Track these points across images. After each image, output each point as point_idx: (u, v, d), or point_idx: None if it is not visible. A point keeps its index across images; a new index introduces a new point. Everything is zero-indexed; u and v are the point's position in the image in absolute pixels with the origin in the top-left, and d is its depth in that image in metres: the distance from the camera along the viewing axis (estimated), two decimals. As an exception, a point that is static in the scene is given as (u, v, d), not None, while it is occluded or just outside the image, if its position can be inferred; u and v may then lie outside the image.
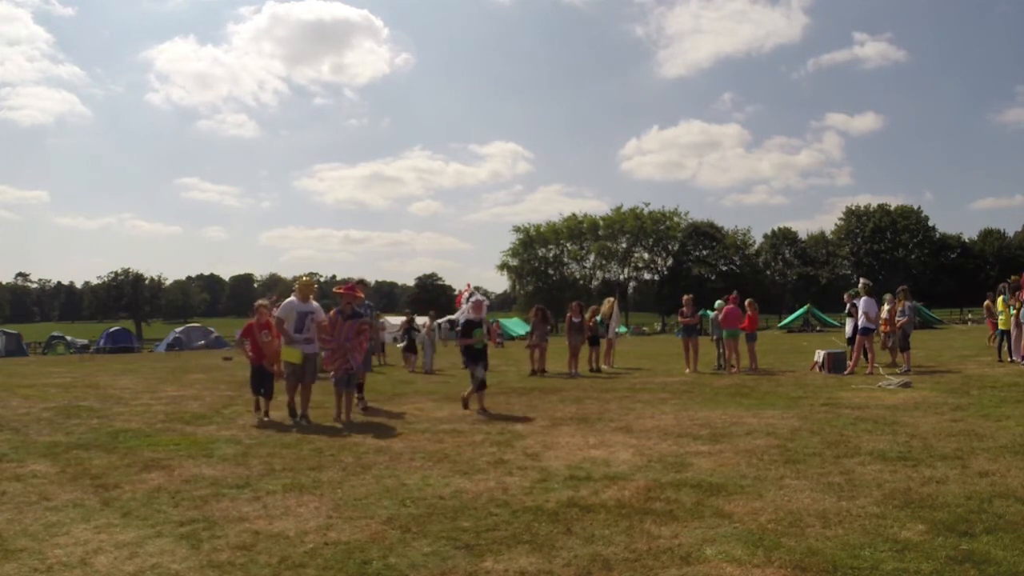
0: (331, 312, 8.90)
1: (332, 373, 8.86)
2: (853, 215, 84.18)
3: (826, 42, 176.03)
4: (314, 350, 8.93)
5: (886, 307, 14.26)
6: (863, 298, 13.51)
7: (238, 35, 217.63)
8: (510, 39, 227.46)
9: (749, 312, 14.92)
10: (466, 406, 9.47)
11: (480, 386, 9.24)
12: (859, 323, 13.46)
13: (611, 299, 17.66)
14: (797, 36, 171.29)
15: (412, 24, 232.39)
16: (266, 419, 8.70)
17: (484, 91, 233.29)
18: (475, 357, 9.36)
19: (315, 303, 9.06)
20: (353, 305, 8.88)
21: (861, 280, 14.43)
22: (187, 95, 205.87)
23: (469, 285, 10.29)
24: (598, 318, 16.84)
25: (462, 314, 9.84)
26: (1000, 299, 14.70)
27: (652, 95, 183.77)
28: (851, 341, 14.36)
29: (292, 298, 8.98)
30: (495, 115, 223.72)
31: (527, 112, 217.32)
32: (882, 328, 14.49)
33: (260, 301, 9.93)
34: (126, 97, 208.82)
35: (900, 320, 14.05)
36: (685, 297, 16.29)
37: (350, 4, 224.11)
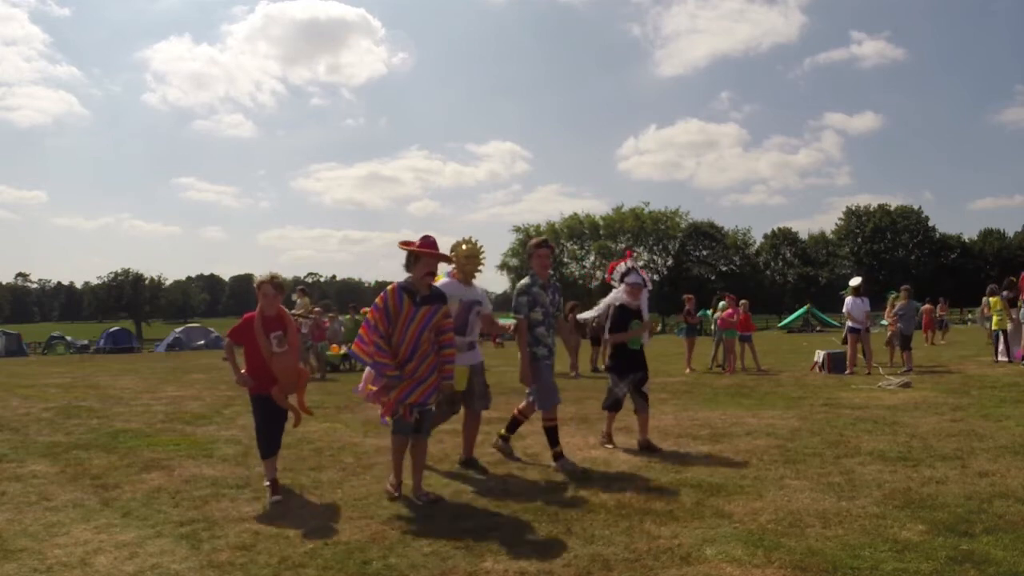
0: (383, 294, 4.93)
1: (384, 408, 4.93)
2: (853, 215, 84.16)
3: (824, 41, 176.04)
4: (478, 359, 5.79)
5: (898, 304, 14.32)
6: (848, 298, 13.60)
7: (232, 35, 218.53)
8: (507, 38, 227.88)
9: (741, 313, 15.10)
10: (611, 439, 6.63)
11: (614, 406, 6.56)
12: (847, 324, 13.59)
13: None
14: (795, 35, 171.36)
15: (409, 23, 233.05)
16: (275, 499, 4.84)
17: (481, 90, 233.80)
18: (627, 364, 6.51)
19: (480, 288, 5.84)
20: (431, 279, 4.96)
21: (850, 280, 14.48)
22: (184, 95, 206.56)
23: (630, 253, 7.35)
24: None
25: (614, 298, 6.73)
26: (996, 299, 14.72)
27: (649, 94, 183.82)
28: (845, 341, 14.43)
29: (447, 278, 5.63)
30: (493, 115, 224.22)
31: (525, 112, 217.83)
32: (889, 327, 14.58)
33: (261, 278, 5.18)
34: (123, 97, 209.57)
35: (896, 319, 14.09)
36: (687, 296, 16.50)
37: (346, 3, 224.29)
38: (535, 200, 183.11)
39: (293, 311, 14.76)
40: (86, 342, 46.20)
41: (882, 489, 4.82)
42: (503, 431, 6.32)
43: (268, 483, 5.05)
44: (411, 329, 4.84)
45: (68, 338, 47.46)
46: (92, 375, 18.65)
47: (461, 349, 5.43)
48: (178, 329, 48.49)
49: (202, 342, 42.03)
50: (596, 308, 7.26)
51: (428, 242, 4.99)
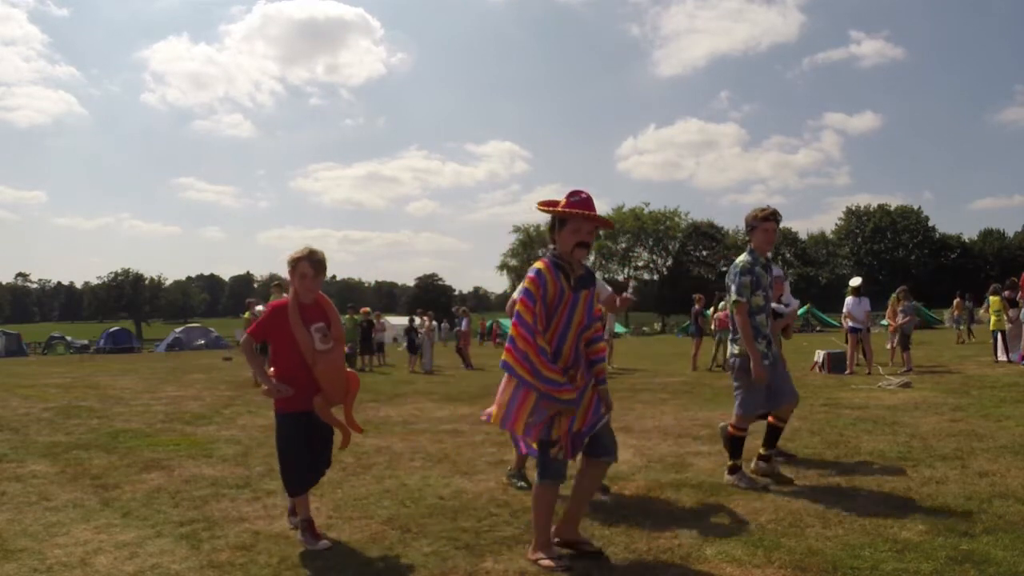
0: (528, 279, 3.56)
1: (522, 435, 3.68)
2: (853, 215, 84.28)
3: (823, 40, 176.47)
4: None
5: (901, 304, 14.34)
6: (848, 298, 13.63)
7: (230, 35, 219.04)
8: (506, 38, 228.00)
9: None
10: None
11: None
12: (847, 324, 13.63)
13: None
14: (794, 35, 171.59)
15: (408, 23, 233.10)
16: (324, 544, 3.89)
17: (481, 90, 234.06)
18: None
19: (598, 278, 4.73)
20: (583, 252, 3.64)
21: (850, 281, 14.52)
22: (183, 95, 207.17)
23: None
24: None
25: None
26: (995, 298, 14.74)
27: (649, 94, 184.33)
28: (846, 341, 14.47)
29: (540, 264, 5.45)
30: (492, 115, 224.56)
31: (524, 111, 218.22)
32: (890, 327, 14.61)
33: (296, 254, 4.22)
34: (122, 97, 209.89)
35: (902, 319, 14.09)
36: (697, 296, 16.72)
37: (345, 2, 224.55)
38: (534, 200, 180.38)
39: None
40: (86, 342, 46.25)
41: (882, 489, 4.82)
42: (762, 449, 5.24)
43: (300, 521, 3.98)
44: (574, 323, 3.55)
45: (68, 338, 47.52)
46: (92, 375, 18.65)
47: None
48: (178, 329, 48.55)
49: (202, 342, 42.06)
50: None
51: (579, 200, 3.55)
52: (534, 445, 3.61)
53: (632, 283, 16.56)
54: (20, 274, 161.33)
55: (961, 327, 23.87)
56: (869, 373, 12.83)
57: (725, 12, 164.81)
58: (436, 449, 6.66)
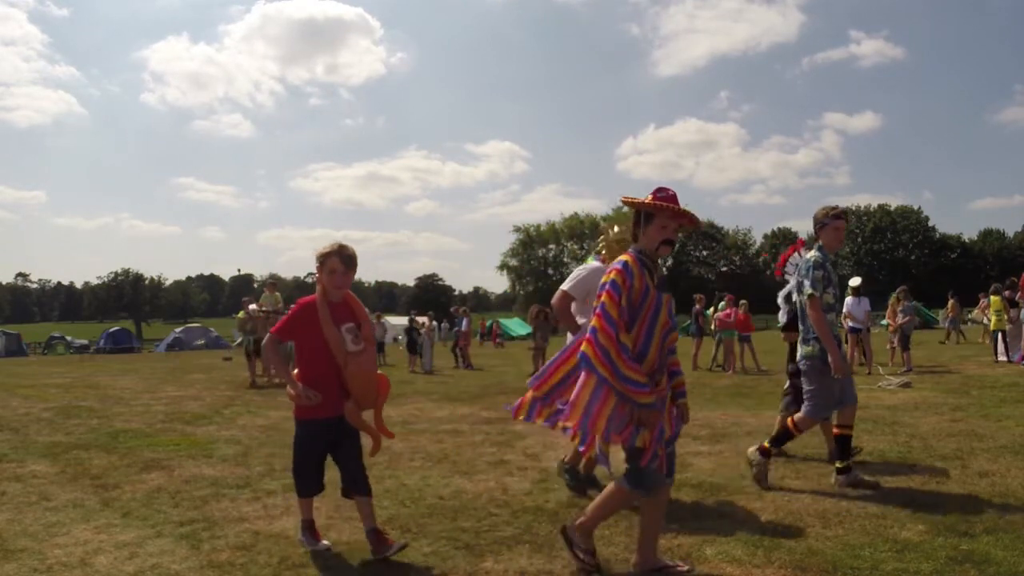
0: (615, 271, 3.37)
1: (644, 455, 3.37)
2: (853, 215, 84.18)
3: (823, 40, 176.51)
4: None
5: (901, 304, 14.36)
6: (848, 298, 13.65)
7: (229, 35, 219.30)
8: (506, 38, 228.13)
9: (740, 313, 15.23)
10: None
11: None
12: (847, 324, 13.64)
13: None
14: (793, 34, 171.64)
15: (408, 23, 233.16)
16: (324, 545, 3.90)
17: (480, 90, 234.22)
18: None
19: None
20: (668, 249, 3.52)
21: (850, 281, 14.53)
22: (182, 95, 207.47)
23: (802, 242, 6.59)
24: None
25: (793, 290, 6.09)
26: (995, 298, 14.74)
27: (648, 94, 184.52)
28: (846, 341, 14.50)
29: (597, 263, 4.90)
30: (491, 114, 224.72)
31: (523, 111, 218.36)
32: (890, 327, 14.63)
33: (326, 249, 3.99)
34: (122, 97, 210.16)
35: (902, 319, 14.11)
36: (698, 296, 16.80)
37: (344, 2, 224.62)
38: (534, 200, 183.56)
39: (263, 308, 14.01)
40: (86, 342, 46.25)
41: (882, 489, 4.82)
42: (838, 463, 4.99)
43: (302, 521, 3.95)
44: (658, 325, 3.37)
45: (68, 338, 47.51)
46: (92, 375, 18.65)
47: None
48: (178, 329, 48.55)
49: (202, 342, 42.06)
50: (784, 308, 6.28)
51: (667, 196, 3.43)
52: (608, 453, 3.44)
53: None
54: (20, 274, 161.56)
55: (954, 328, 23.86)
56: (869, 373, 12.84)
57: (725, 12, 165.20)
58: (436, 449, 6.66)
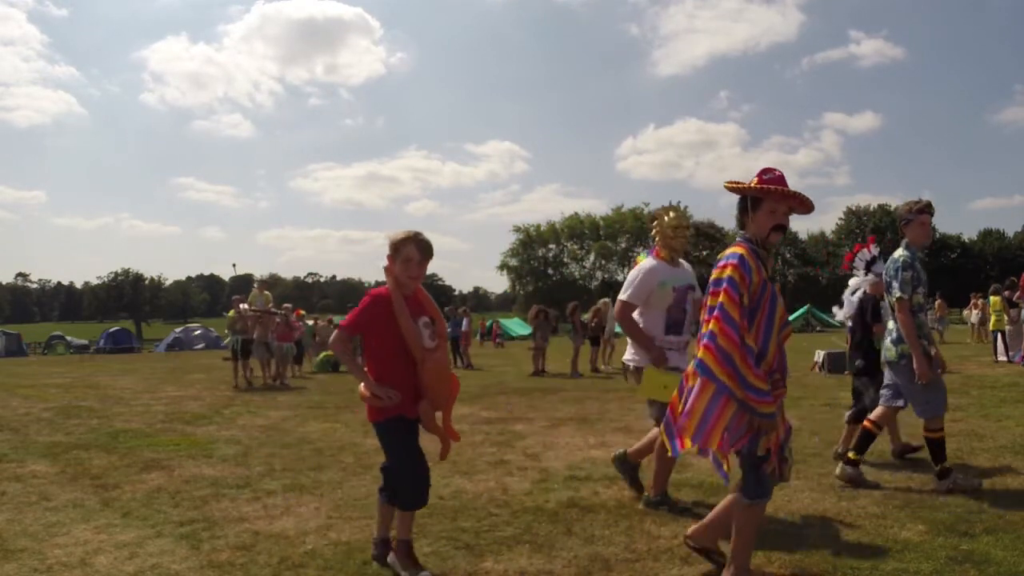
0: (730, 266, 3.08)
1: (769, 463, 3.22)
2: (853, 215, 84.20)
3: (822, 40, 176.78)
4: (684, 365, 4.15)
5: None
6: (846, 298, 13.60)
7: (229, 35, 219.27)
8: (505, 38, 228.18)
9: None
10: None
11: (859, 416, 5.66)
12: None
13: (606, 300, 17.74)
14: (793, 34, 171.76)
15: (407, 23, 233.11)
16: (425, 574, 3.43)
17: (480, 90, 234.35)
18: (876, 365, 5.58)
19: (689, 268, 4.78)
20: (779, 235, 3.22)
21: (850, 281, 14.49)
22: (182, 95, 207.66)
23: (872, 239, 6.30)
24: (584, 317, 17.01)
25: (860, 287, 6.09)
26: (995, 298, 14.73)
27: (648, 94, 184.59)
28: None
29: (649, 260, 4.65)
30: (491, 114, 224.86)
31: (523, 111, 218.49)
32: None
33: (400, 235, 3.59)
34: (122, 97, 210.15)
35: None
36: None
37: (344, 2, 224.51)
38: (534, 200, 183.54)
39: (253, 307, 13.79)
40: (86, 342, 46.21)
41: (882, 489, 4.82)
42: (852, 454, 4.99)
43: (400, 543, 3.50)
44: (776, 318, 3.12)
45: (68, 338, 47.47)
46: (92, 375, 18.65)
47: (677, 350, 4.48)
48: (178, 329, 48.51)
49: (202, 345, 42.03)
50: (848, 306, 6.11)
51: (774, 177, 3.18)
52: (723, 461, 3.18)
53: None
54: (20, 274, 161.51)
55: (941, 327, 23.87)
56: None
57: (724, 12, 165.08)
58: (436, 449, 6.65)
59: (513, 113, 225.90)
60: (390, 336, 3.40)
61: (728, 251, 3.17)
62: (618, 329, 33.11)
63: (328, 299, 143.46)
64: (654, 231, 4.69)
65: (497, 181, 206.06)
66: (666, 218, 4.62)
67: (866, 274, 5.98)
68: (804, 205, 3.22)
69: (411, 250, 3.44)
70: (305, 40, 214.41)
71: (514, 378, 14.65)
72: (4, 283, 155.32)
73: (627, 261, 79.99)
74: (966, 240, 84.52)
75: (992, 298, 14.98)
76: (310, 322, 21.48)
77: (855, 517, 4.20)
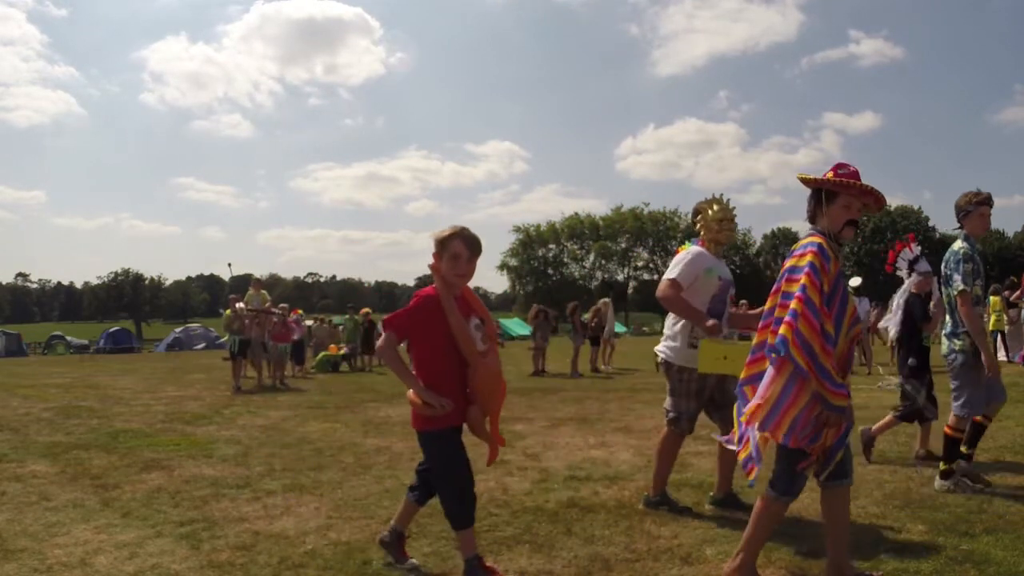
0: (811, 252, 3.04)
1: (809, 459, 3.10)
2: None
3: (822, 40, 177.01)
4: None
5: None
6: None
7: (228, 35, 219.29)
8: (505, 38, 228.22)
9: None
10: (928, 453, 5.58)
11: (914, 416, 5.77)
12: None
13: (606, 300, 17.75)
14: (793, 34, 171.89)
15: (407, 23, 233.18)
16: None
17: (480, 90, 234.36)
18: (926, 364, 5.82)
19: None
20: (851, 231, 3.20)
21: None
22: (181, 96, 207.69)
23: (912, 237, 6.36)
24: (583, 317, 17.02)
25: (907, 288, 5.98)
26: (995, 298, 14.73)
27: (648, 94, 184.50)
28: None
29: (696, 247, 4.56)
30: (491, 114, 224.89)
31: (523, 111, 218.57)
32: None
33: (447, 231, 3.39)
34: (121, 97, 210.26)
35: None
36: None
37: (343, 2, 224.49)
38: (533, 200, 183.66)
39: (249, 307, 13.58)
40: (86, 342, 46.22)
41: (882, 489, 4.82)
42: (964, 448, 4.85)
43: (471, 559, 3.32)
44: (847, 314, 3.09)
45: (68, 338, 47.47)
46: (92, 375, 18.65)
47: (727, 337, 4.35)
48: (178, 329, 48.55)
49: (202, 345, 42.04)
50: (895, 310, 6.02)
51: (849, 172, 3.15)
52: (763, 452, 3.08)
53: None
54: (20, 274, 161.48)
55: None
56: (869, 373, 12.84)
57: (724, 12, 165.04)
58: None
59: (513, 113, 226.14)
60: (439, 339, 3.24)
61: (804, 240, 3.13)
62: (618, 329, 32.92)
63: (328, 299, 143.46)
64: (699, 224, 4.59)
65: (497, 181, 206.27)
66: (710, 211, 4.51)
67: (909, 274, 5.91)
68: (879, 201, 3.18)
69: (458, 246, 3.26)
70: (305, 40, 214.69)
71: (514, 378, 14.65)
72: (4, 283, 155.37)
73: (627, 261, 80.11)
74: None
75: (992, 298, 14.97)
76: (308, 322, 21.46)
77: (855, 517, 4.19)
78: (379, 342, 3.33)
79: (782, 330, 2.91)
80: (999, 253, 79.47)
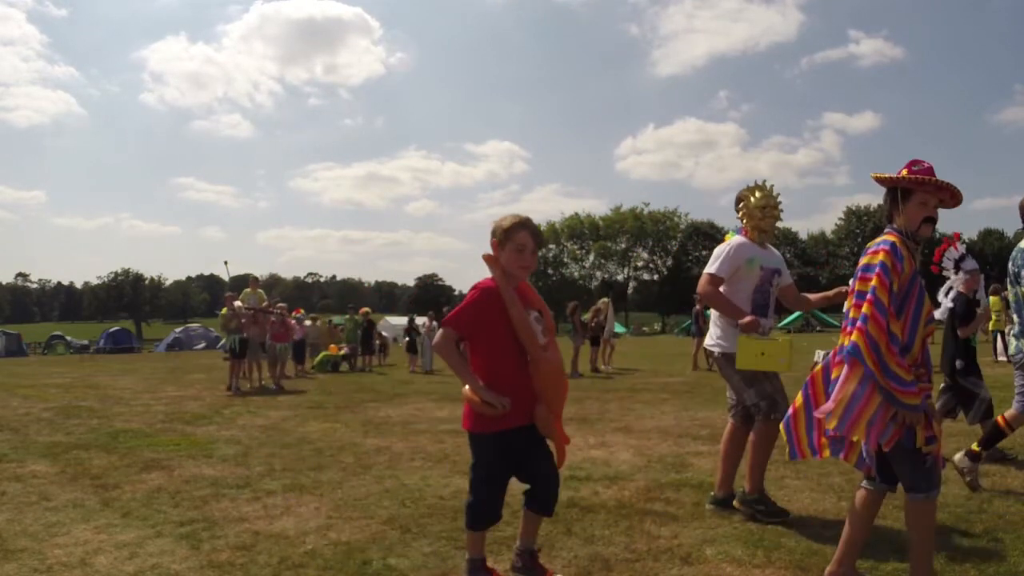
0: (883, 252, 2.99)
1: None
2: (853, 215, 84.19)
3: (822, 40, 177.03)
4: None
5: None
6: None
7: (228, 35, 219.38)
8: (505, 38, 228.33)
9: None
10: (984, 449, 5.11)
11: (989, 413, 5.89)
12: None
13: (606, 300, 17.75)
14: (793, 34, 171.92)
15: (407, 23, 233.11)
16: None
17: (480, 90, 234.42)
18: (975, 362, 5.85)
19: (776, 251, 4.52)
20: (930, 228, 3.15)
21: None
22: (181, 96, 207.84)
23: (958, 235, 6.26)
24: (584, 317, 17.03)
25: (954, 286, 5.94)
26: (995, 298, 14.73)
27: (648, 94, 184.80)
28: None
29: (739, 237, 4.41)
30: (491, 114, 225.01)
31: (523, 111, 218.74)
32: None
33: (509, 220, 3.22)
34: (121, 97, 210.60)
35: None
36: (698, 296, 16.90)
37: (343, 2, 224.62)
38: (533, 200, 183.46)
39: (245, 306, 13.51)
40: (86, 342, 46.23)
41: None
42: (975, 446, 4.89)
43: (471, 561, 3.31)
44: (923, 313, 3.03)
45: (68, 338, 47.47)
46: (92, 375, 18.65)
47: (764, 334, 4.26)
48: (178, 329, 48.52)
49: (202, 345, 42.02)
50: (944, 306, 5.91)
51: (924, 168, 3.13)
52: (874, 455, 3.08)
53: None
54: (20, 274, 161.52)
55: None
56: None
57: (724, 12, 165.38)
58: (436, 449, 6.66)
59: (513, 113, 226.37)
60: (500, 334, 3.05)
61: (880, 239, 3.10)
62: (618, 329, 32.96)
63: (328, 299, 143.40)
64: (740, 212, 4.44)
65: (497, 181, 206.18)
66: (752, 198, 4.37)
67: (956, 272, 5.80)
68: (955, 198, 3.15)
69: (524, 236, 3.09)
70: (304, 40, 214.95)
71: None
72: (4, 283, 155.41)
73: (627, 261, 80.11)
74: (966, 240, 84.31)
75: (991, 298, 14.97)
76: (308, 322, 21.46)
77: (855, 517, 4.19)
78: (436, 338, 3.15)
79: (854, 336, 2.93)
80: (999, 253, 79.46)
